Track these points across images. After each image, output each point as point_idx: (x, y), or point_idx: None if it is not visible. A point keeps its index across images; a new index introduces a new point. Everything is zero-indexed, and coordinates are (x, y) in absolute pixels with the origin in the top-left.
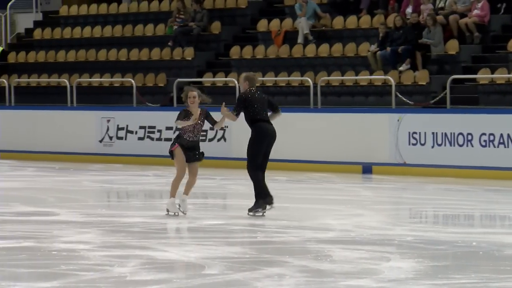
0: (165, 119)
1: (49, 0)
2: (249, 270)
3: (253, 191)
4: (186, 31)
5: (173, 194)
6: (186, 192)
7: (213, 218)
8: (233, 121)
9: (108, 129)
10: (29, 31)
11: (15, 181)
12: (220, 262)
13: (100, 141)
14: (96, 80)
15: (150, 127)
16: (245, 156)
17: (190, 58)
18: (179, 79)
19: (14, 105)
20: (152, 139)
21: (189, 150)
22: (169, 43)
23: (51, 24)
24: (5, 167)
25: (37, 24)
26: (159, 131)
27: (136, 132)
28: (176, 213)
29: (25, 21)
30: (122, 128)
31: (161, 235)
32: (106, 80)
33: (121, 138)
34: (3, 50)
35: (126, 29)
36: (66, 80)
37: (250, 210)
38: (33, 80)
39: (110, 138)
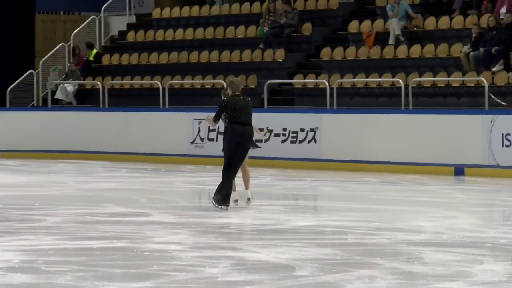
0: (256, 121)
1: (142, 3)
2: (340, 272)
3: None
4: (276, 32)
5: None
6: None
7: (303, 219)
8: (212, 127)
9: (199, 130)
10: (122, 34)
11: (109, 182)
12: (311, 263)
13: (192, 143)
14: (187, 82)
15: None
16: (336, 157)
17: (281, 60)
18: (270, 81)
19: (108, 106)
20: None
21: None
22: (260, 45)
23: (144, 27)
24: (98, 168)
25: (130, 26)
26: None
27: None
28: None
29: (118, 23)
30: (213, 130)
31: (252, 236)
32: (197, 82)
33: (212, 140)
34: (97, 53)
35: (218, 31)
36: (158, 82)
37: (216, 201)
38: (126, 82)
39: (202, 139)
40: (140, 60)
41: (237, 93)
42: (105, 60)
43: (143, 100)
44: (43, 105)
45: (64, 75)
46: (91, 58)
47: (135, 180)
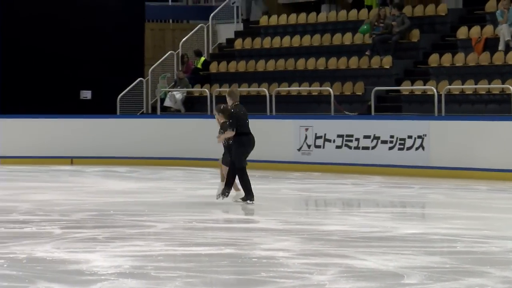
0: (363, 128)
1: (249, 12)
2: (449, 280)
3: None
4: (384, 39)
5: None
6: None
7: (411, 227)
8: (231, 135)
9: (306, 137)
10: (230, 41)
11: (216, 189)
12: (419, 271)
13: (299, 150)
14: (294, 89)
15: (347, 135)
16: (444, 164)
17: (388, 67)
18: (377, 88)
19: None
20: (349, 147)
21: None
22: (367, 52)
23: (252, 34)
24: (206, 175)
25: (238, 34)
26: (357, 139)
27: (334, 141)
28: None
29: (226, 31)
30: (320, 137)
31: (359, 243)
32: (304, 89)
33: (319, 147)
34: (205, 60)
35: (324, 38)
36: (265, 89)
37: (243, 199)
38: None
39: (308, 146)
40: (247, 68)
41: (237, 102)
42: (213, 67)
43: (250, 107)
44: (152, 113)
45: (173, 83)
46: (199, 66)
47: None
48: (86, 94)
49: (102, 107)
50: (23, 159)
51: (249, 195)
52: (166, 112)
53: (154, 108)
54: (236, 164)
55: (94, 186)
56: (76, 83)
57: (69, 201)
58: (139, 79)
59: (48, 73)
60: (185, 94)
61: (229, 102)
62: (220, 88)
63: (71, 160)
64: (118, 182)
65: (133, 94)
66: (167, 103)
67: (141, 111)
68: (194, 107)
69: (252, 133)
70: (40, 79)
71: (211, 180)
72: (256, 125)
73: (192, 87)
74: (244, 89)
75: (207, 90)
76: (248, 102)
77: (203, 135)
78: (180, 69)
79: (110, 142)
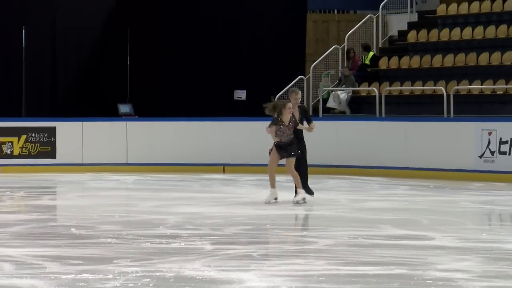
0: None
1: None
2: None
3: None
4: None
5: (272, 185)
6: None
7: None
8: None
9: (489, 142)
10: (402, 34)
11: (386, 201)
12: None
13: (480, 157)
14: (476, 87)
15: None
16: None
17: None
18: None
19: (385, 116)
20: None
21: (282, 149)
22: None
23: (427, 25)
24: (374, 185)
25: (411, 25)
26: None
27: None
28: (270, 202)
29: (398, 22)
30: (506, 142)
31: None
32: (487, 87)
33: (504, 153)
34: (373, 55)
35: None
36: (442, 88)
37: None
38: (406, 88)
39: (492, 153)
40: (422, 63)
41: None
42: (383, 63)
43: (425, 108)
44: (314, 114)
45: (337, 81)
46: (367, 62)
47: (415, 198)
48: (241, 94)
49: (257, 108)
50: (171, 167)
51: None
52: (329, 114)
53: (315, 110)
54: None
55: (248, 196)
56: (229, 83)
57: (221, 214)
58: (299, 77)
59: (201, 72)
60: (350, 94)
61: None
62: (390, 86)
63: (223, 168)
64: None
65: None
66: (331, 103)
67: None
68: (360, 108)
69: (427, 137)
70: (193, 79)
71: (379, 191)
72: (431, 129)
73: (359, 86)
74: (418, 87)
75: (375, 89)
76: (422, 102)
77: (371, 141)
78: (345, 65)
79: (265, 147)
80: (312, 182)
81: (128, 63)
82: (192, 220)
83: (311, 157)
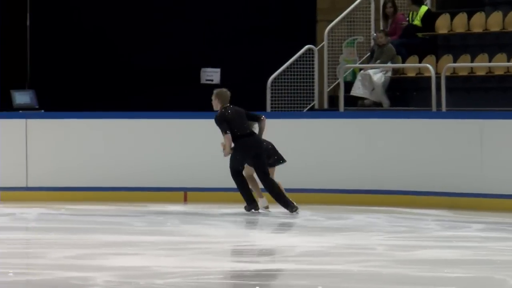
0: None
1: None
2: None
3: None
4: None
5: (259, 195)
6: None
7: None
8: (228, 140)
9: None
10: None
11: (449, 248)
12: None
13: None
14: None
15: None
16: None
17: None
18: None
19: (446, 109)
20: None
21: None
22: None
23: None
24: (430, 223)
25: None
26: None
27: None
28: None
29: None
30: None
31: None
32: None
33: None
34: (428, 11)
35: None
36: None
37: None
38: (481, 64)
39: None
40: (506, 24)
41: (226, 105)
42: (442, 25)
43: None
44: (331, 107)
45: (368, 54)
46: (417, 22)
47: (495, 244)
48: (211, 75)
49: (239, 97)
50: (98, 193)
51: (251, 203)
52: (355, 107)
53: (332, 100)
54: (230, 167)
55: (223, 241)
56: (193, 57)
57: (179, 270)
58: (306, 46)
59: (143, 39)
60: (389, 74)
61: (216, 106)
62: (454, 62)
63: (184, 194)
64: None
65: (296, 71)
66: (357, 90)
67: (311, 105)
68: (406, 97)
69: None
70: (130, 50)
71: (439, 233)
72: None
73: (403, 61)
74: (501, 64)
75: (430, 67)
76: (507, 88)
77: (423, 151)
78: (381, 27)
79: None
80: (330, 217)
81: (28, 32)
82: (133, 279)
83: (323, 177)
